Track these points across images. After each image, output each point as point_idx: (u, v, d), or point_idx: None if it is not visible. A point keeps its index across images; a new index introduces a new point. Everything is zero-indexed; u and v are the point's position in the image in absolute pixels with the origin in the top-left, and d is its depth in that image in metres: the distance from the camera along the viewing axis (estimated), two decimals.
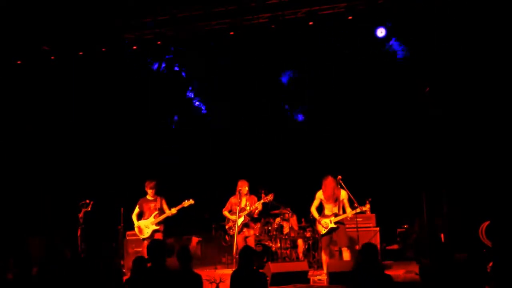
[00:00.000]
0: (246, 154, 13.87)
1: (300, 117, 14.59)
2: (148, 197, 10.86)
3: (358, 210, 9.96)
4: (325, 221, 10.15)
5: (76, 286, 6.78)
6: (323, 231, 10.17)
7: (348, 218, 10.26)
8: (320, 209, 10.31)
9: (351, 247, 10.22)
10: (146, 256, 6.81)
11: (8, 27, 11.94)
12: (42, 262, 6.76)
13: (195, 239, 12.91)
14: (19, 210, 12.91)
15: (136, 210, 10.90)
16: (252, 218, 10.83)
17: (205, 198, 12.38)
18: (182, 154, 14.45)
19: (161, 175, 11.56)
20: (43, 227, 12.36)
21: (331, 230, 10.11)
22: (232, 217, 10.76)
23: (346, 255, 10.09)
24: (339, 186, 10.21)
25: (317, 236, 11.07)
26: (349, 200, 10.15)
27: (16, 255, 7.90)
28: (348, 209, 10.11)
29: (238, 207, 10.61)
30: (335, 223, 10.06)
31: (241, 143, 14.09)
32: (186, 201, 10.73)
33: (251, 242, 10.77)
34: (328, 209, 10.21)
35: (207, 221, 13.31)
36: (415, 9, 11.40)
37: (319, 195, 10.31)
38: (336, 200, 10.16)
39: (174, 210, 10.67)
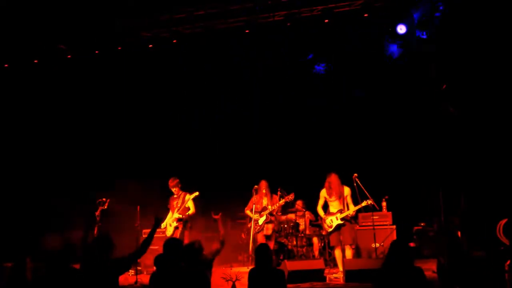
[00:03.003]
0: (264, 152, 13.85)
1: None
2: (174, 195, 10.98)
3: (363, 204, 10.01)
4: (331, 218, 10.21)
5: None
6: (329, 229, 10.22)
7: (353, 214, 10.29)
8: (325, 207, 10.35)
9: (354, 246, 10.32)
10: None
11: (24, 26, 12.03)
12: (58, 259, 6.70)
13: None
14: (36, 208, 12.99)
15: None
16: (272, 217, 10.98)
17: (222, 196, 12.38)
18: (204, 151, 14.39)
19: (176, 174, 11.56)
20: (60, 225, 12.41)
21: (338, 227, 10.15)
22: (254, 216, 10.92)
23: (349, 253, 10.12)
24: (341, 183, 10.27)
25: (324, 233, 11.09)
26: (352, 196, 10.18)
27: (33, 253, 7.92)
28: (351, 206, 10.18)
29: (254, 206, 10.76)
30: (341, 219, 10.10)
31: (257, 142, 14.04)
32: (188, 194, 10.79)
33: (273, 240, 10.93)
34: (333, 206, 10.27)
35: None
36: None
37: (323, 193, 10.38)
38: (340, 197, 10.21)
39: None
